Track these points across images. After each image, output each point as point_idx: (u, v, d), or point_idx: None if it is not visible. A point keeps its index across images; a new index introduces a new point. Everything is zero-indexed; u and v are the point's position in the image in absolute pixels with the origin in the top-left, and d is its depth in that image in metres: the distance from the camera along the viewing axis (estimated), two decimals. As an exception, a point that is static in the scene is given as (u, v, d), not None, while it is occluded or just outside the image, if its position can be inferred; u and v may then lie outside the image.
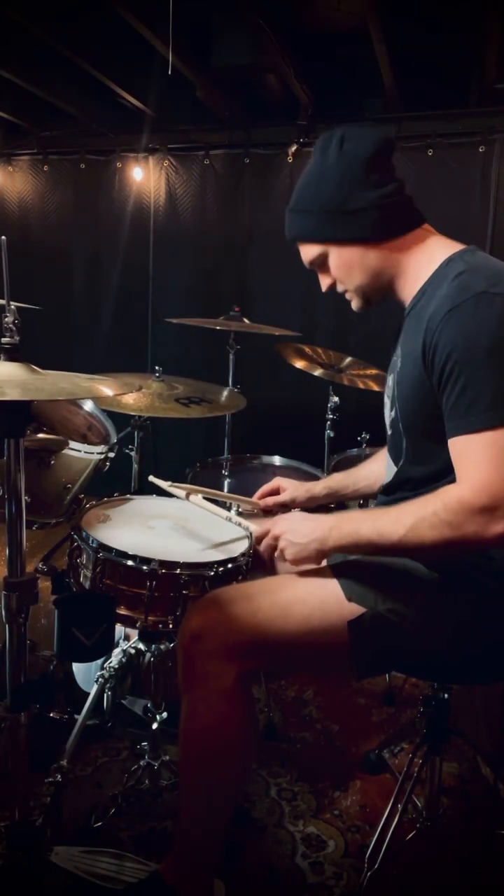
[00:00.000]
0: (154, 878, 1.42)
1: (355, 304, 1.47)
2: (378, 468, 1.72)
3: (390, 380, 1.47)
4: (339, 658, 1.37)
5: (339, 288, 1.46)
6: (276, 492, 1.72)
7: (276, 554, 1.43)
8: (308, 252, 1.44)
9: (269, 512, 1.72)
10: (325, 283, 1.47)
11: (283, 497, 1.70)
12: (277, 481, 1.74)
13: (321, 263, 1.44)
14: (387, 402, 1.49)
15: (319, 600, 1.35)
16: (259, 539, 1.46)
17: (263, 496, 1.73)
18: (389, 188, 1.36)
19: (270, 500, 1.71)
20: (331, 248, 1.40)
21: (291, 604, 1.35)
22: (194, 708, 1.36)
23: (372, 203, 1.34)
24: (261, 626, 1.33)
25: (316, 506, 1.74)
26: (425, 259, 1.37)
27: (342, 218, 1.36)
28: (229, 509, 1.79)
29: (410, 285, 1.40)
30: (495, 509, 1.17)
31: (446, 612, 1.33)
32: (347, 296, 1.46)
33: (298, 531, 1.38)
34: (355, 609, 1.33)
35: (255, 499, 1.74)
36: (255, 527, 1.52)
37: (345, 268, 1.41)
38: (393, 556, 1.36)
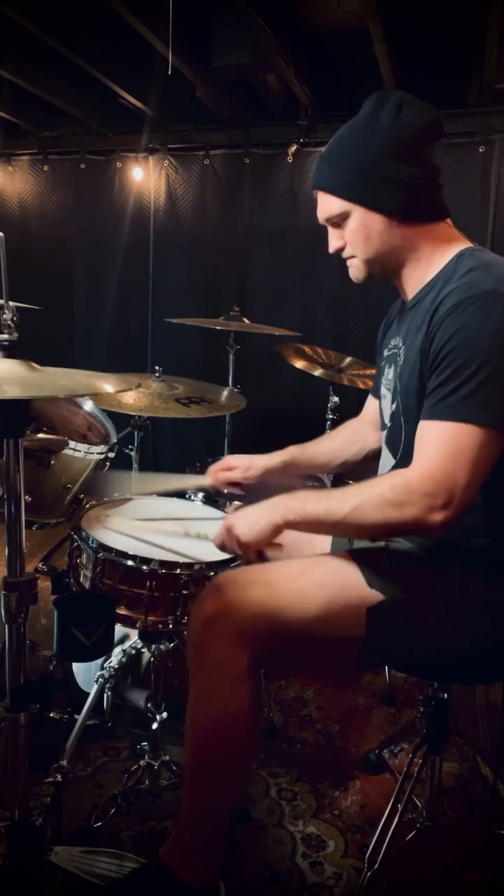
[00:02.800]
0: (159, 867, 1.40)
1: (357, 275, 1.44)
2: (335, 446, 1.75)
3: (391, 373, 1.46)
4: (351, 646, 1.36)
5: (347, 253, 1.43)
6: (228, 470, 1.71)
7: (234, 543, 1.38)
8: (329, 206, 1.39)
9: (234, 485, 1.71)
10: (334, 243, 1.43)
11: (233, 474, 1.70)
12: (228, 459, 1.73)
13: (338, 222, 1.40)
14: (386, 394, 1.49)
15: (340, 585, 1.33)
16: (219, 543, 1.42)
17: (215, 473, 1.72)
18: (428, 170, 1.35)
19: (221, 476, 1.71)
20: (355, 209, 1.36)
21: (312, 588, 1.33)
22: (205, 692, 1.34)
23: (409, 178, 1.33)
24: (278, 611, 1.30)
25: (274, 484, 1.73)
26: (438, 253, 1.38)
27: (377, 183, 1.33)
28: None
29: (419, 275, 1.40)
30: (437, 498, 1.20)
31: (467, 603, 1.33)
32: (351, 263, 1.44)
33: (247, 514, 1.36)
34: (376, 596, 1.32)
35: (207, 476, 1.73)
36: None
37: (363, 234, 1.38)
38: (339, 534, 1.37)
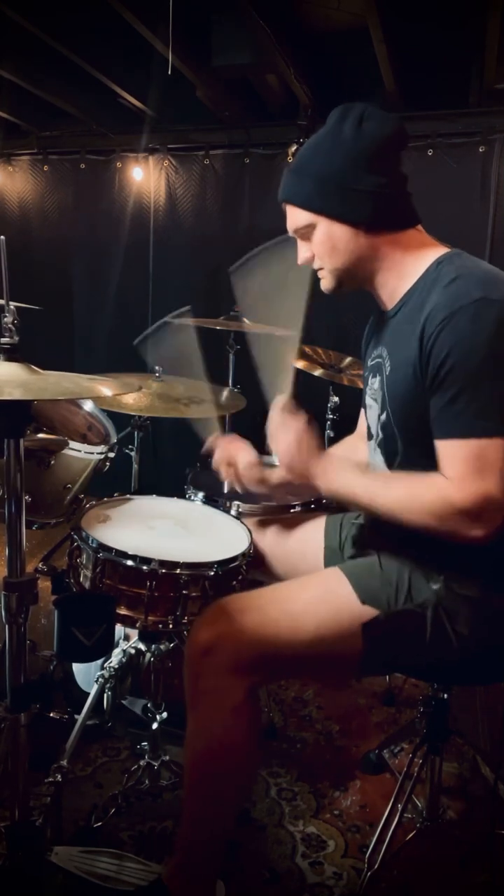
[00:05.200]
0: (156, 886, 1.41)
1: (326, 285, 1.44)
2: None
3: (376, 382, 1.45)
4: (349, 662, 1.36)
5: (316, 264, 1.43)
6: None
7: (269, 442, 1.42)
8: (296, 218, 1.40)
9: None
10: (303, 255, 1.43)
11: (236, 456, 1.62)
12: (237, 442, 1.66)
13: (305, 233, 1.40)
14: (373, 404, 1.47)
15: (332, 609, 1.33)
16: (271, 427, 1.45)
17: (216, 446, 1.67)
18: (393, 179, 1.34)
19: (219, 455, 1.65)
20: (320, 221, 1.37)
21: (304, 614, 1.33)
22: (203, 725, 1.34)
23: (373, 188, 1.32)
24: (272, 639, 1.31)
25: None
26: (412, 259, 1.36)
27: (340, 194, 1.33)
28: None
29: (394, 283, 1.39)
30: (478, 515, 1.21)
31: (461, 610, 1.32)
32: (320, 274, 1.44)
33: (300, 458, 1.39)
34: (369, 612, 1.32)
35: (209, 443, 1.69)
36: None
37: (328, 245, 1.38)
38: (374, 516, 1.37)
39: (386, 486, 1.31)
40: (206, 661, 1.31)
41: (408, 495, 1.28)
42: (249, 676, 1.31)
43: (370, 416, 1.49)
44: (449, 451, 1.25)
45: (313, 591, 1.37)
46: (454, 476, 1.24)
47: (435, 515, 1.23)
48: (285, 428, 1.44)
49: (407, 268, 1.37)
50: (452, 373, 1.22)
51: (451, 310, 1.22)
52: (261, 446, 1.64)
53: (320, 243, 1.38)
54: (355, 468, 1.41)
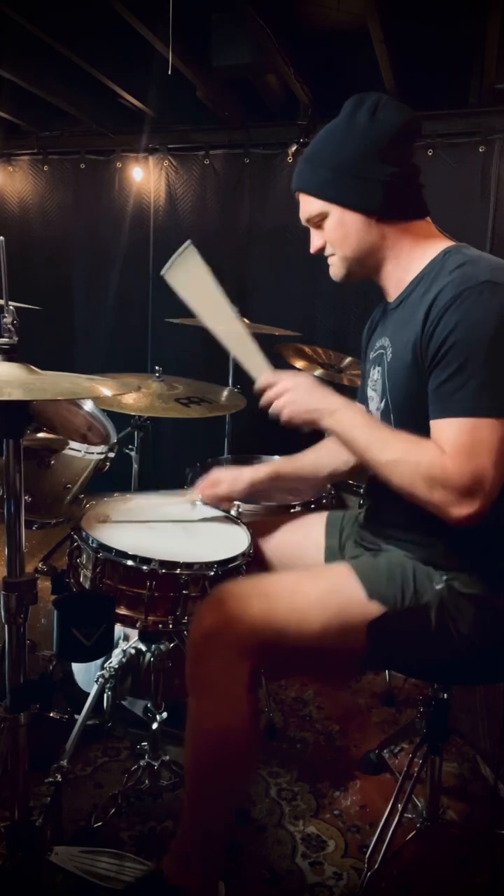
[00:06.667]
0: (156, 877, 1.41)
1: (336, 272, 1.46)
2: (322, 457, 1.76)
3: (377, 373, 1.46)
4: (352, 658, 1.36)
5: (328, 251, 1.45)
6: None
7: (272, 408, 1.41)
8: (309, 207, 1.42)
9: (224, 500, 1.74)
10: (316, 243, 1.45)
11: (221, 489, 1.72)
12: (215, 474, 1.75)
13: (318, 222, 1.43)
14: (373, 395, 1.48)
15: (339, 604, 1.33)
16: (263, 388, 1.44)
17: (203, 489, 1.74)
18: (406, 169, 1.36)
19: (209, 493, 1.73)
20: (333, 209, 1.39)
21: (311, 607, 1.32)
22: (204, 710, 1.34)
23: (386, 178, 1.34)
24: (277, 629, 1.30)
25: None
26: (420, 251, 1.38)
27: (354, 183, 1.35)
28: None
29: (400, 272, 1.41)
30: (467, 492, 1.20)
31: (464, 609, 1.32)
32: (331, 261, 1.46)
33: (304, 398, 1.38)
34: (376, 609, 1.32)
35: (195, 493, 1.76)
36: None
37: (341, 233, 1.40)
38: (365, 465, 1.37)
39: (384, 441, 1.30)
40: (209, 643, 1.31)
41: (404, 452, 1.27)
42: (252, 661, 1.31)
43: (371, 407, 1.50)
44: (444, 429, 1.25)
45: (322, 585, 1.37)
46: (448, 454, 1.23)
47: (426, 480, 1.22)
48: (289, 374, 1.44)
49: (413, 258, 1.39)
50: (454, 350, 1.22)
51: (457, 291, 1.24)
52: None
53: (333, 231, 1.40)
54: (366, 416, 1.40)
